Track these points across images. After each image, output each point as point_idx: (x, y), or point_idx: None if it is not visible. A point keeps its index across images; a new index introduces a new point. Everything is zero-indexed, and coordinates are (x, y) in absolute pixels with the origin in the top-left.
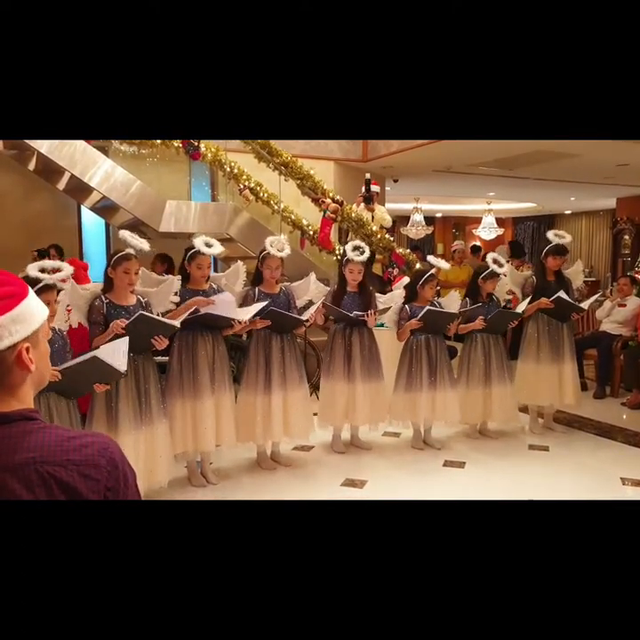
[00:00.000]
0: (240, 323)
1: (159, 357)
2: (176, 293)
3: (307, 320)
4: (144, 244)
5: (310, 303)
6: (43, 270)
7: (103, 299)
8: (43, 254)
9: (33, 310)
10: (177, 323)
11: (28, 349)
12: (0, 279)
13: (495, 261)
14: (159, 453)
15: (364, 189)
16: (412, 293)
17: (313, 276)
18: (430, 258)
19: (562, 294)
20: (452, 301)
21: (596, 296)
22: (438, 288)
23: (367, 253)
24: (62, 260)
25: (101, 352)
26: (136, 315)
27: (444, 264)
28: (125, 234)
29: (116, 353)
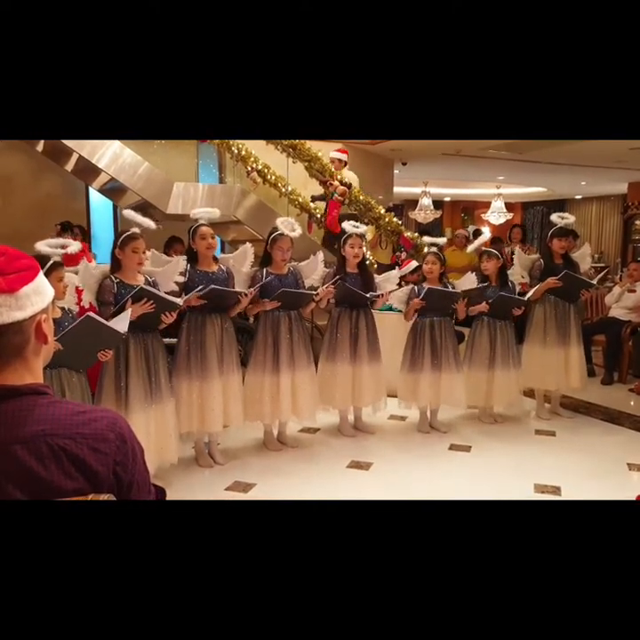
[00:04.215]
0: (247, 295)
1: (168, 339)
2: (182, 273)
3: (316, 294)
4: (149, 222)
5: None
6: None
7: (113, 278)
8: (66, 228)
9: (46, 284)
10: (179, 300)
11: (45, 320)
12: (14, 253)
13: (476, 232)
14: (169, 432)
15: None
16: (422, 275)
17: (320, 254)
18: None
19: (569, 271)
20: (469, 282)
21: (605, 271)
22: (442, 269)
23: (365, 228)
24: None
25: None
26: (136, 288)
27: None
28: (130, 212)
29: (117, 319)
